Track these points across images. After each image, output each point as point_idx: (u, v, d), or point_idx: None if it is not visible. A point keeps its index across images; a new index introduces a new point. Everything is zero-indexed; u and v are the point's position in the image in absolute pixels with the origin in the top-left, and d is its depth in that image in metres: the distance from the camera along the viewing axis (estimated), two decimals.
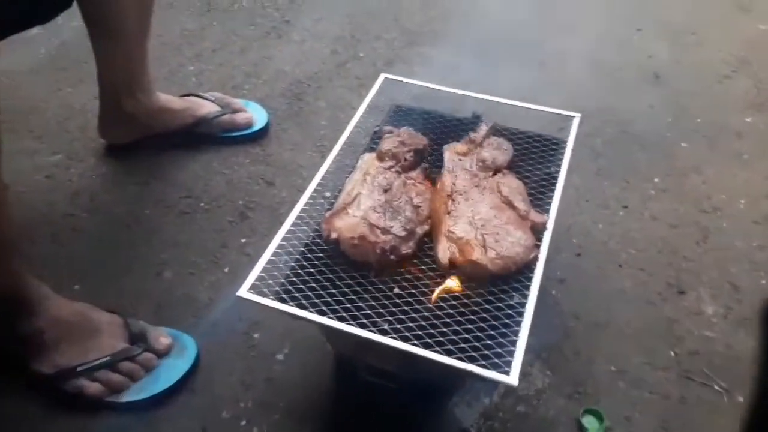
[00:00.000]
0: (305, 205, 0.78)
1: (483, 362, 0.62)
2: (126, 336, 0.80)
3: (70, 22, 1.41)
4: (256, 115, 1.16)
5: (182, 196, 1.04)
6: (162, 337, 0.81)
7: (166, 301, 0.89)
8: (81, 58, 1.33)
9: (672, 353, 0.84)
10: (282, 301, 0.68)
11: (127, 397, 0.77)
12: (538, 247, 0.73)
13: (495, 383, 0.65)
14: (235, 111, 1.14)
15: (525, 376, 0.82)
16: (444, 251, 0.71)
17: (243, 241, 0.98)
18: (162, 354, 0.80)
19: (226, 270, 0.93)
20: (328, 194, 0.80)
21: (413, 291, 0.70)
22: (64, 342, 0.77)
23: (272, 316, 0.87)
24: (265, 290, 0.69)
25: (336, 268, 0.72)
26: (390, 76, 0.97)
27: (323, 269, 0.72)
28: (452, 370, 0.62)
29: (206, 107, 1.12)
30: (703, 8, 1.54)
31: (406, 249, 0.72)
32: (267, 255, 0.72)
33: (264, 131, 1.16)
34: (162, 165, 1.10)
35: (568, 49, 1.40)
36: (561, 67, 1.35)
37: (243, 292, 0.68)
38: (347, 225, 0.72)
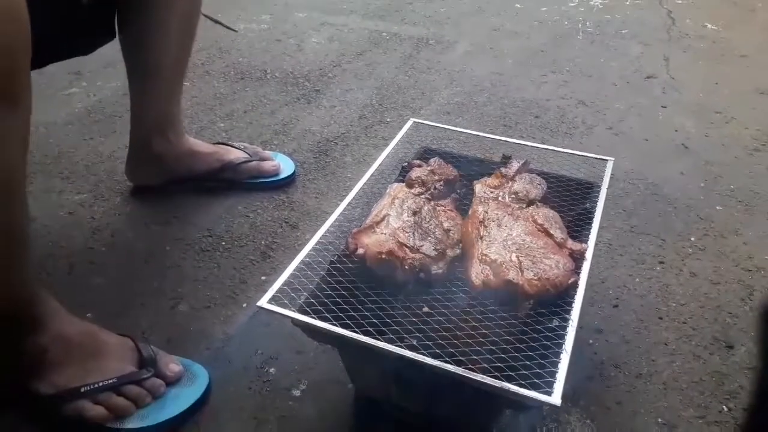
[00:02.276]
0: (331, 226, 0.76)
1: (522, 382, 0.56)
2: (135, 359, 0.74)
3: (109, 83, 1.47)
4: (284, 165, 1.17)
5: (204, 235, 1.02)
6: (172, 363, 0.75)
7: (179, 334, 0.84)
8: (115, 113, 1.37)
9: (725, 408, 0.76)
10: (305, 314, 0.63)
11: (130, 424, 0.70)
12: (577, 273, 0.69)
13: (535, 415, 0.58)
14: (263, 159, 1.15)
15: (564, 425, 0.74)
16: (477, 273, 0.67)
17: (263, 278, 0.94)
18: (171, 381, 0.74)
19: (244, 305, 0.89)
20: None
21: (444, 311, 0.65)
22: (68, 361, 0.72)
23: (290, 351, 0.82)
24: (287, 303, 0.65)
25: (361, 285, 0.68)
26: (419, 120, 0.98)
27: (349, 286, 0.68)
28: (488, 390, 0.56)
29: (234, 153, 1.13)
30: (724, 91, 1.57)
31: (437, 269, 0.68)
32: (290, 269, 0.69)
33: (290, 180, 1.16)
34: (186, 207, 1.09)
35: (591, 122, 1.41)
36: (586, 137, 1.35)
37: (263, 302, 0.64)
38: (375, 241, 0.69)
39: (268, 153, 1.18)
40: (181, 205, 1.09)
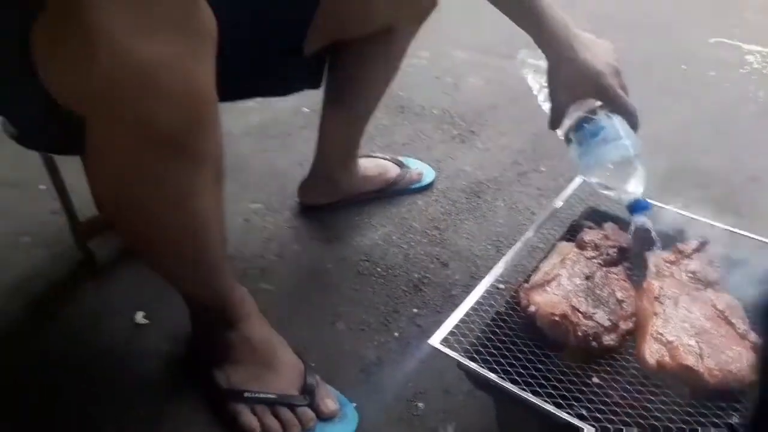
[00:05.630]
0: (499, 276, 0.78)
1: None
2: (300, 385, 0.79)
3: (283, 102, 1.59)
4: (424, 170, 1.31)
5: (361, 259, 1.08)
6: (329, 399, 0.78)
7: (336, 351, 0.90)
8: (287, 131, 1.48)
9: None
10: (473, 360, 0.66)
11: None
12: None
13: None
14: (405, 166, 1.28)
15: None
16: (652, 352, 0.66)
17: (414, 311, 0.98)
18: (323, 417, 0.77)
19: (396, 335, 0.93)
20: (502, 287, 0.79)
21: (615, 385, 0.65)
22: (244, 363, 0.79)
23: (438, 389, 0.85)
24: (456, 346, 0.67)
25: (528, 341, 0.69)
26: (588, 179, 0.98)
27: (515, 340, 0.69)
28: None
29: (392, 170, 1.25)
30: None
31: (609, 340, 0.68)
32: (460, 313, 0.71)
33: (432, 185, 1.30)
34: (346, 229, 1.16)
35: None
36: (760, 219, 1.28)
37: (435, 342, 0.67)
38: (547, 301, 0.70)
39: (402, 160, 1.30)
40: (342, 226, 1.16)
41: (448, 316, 0.96)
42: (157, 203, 0.63)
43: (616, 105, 0.82)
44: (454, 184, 1.34)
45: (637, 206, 0.80)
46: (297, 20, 0.89)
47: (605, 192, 0.83)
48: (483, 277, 1.05)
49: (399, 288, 1.03)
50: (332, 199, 1.17)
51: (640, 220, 0.79)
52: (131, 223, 0.68)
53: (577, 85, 0.82)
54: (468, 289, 1.02)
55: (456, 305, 0.99)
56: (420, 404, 0.82)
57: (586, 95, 0.82)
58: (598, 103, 0.84)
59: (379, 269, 1.07)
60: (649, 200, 0.81)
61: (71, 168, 1.00)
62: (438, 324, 0.95)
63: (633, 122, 0.84)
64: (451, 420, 0.80)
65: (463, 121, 1.61)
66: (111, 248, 1.06)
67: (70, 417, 0.81)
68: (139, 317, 0.93)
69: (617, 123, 0.83)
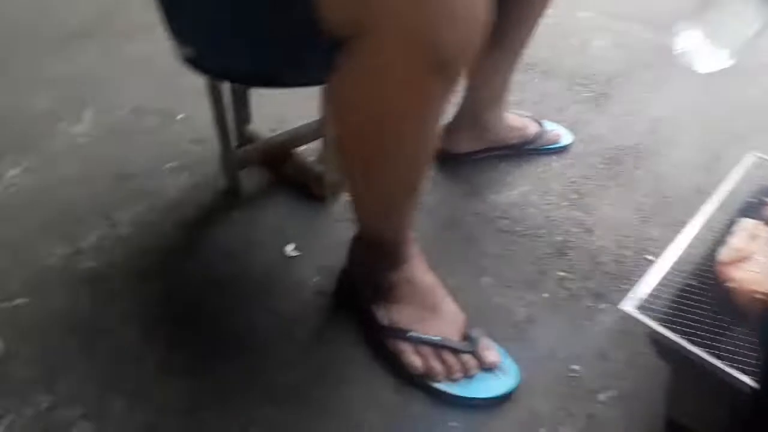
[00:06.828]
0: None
1: None
2: (461, 333, 0.79)
3: None
4: (561, 132, 1.27)
5: (499, 216, 1.06)
6: (491, 351, 0.77)
7: (484, 305, 0.89)
8: None
9: None
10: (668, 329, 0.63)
11: (438, 385, 0.75)
12: None
13: None
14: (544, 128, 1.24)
15: None
16: None
17: (561, 274, 0.95)
18: (484, 367, 0.76)
19: (545, 296, 0.91)
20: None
21: None
22: (407, 304, 0.79)
23: (593, 355, 0.83)
24: (650, 314, 0.65)
25: (723, 317, 0.66)
26: (762, 155, 0.92)
27: (708, 313, 0.66)
28: None
29: (533, 127, 1.21)
30: None
31: None
32: (653, 282, 0.68)
33: (568, 147, 1.25)
34: (481, 184, 1.13)
35: None
36: None
37: (629, 308, 0.65)
38: (749, 278, 0.66)
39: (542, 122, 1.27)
40: (478, 181, 1.14)
41: (598, 282, 0.94)
42: (408, 121, 0.62)
43: None
44: (590, 148, 1.28)
45: None
46: None
47: None
48: (631, 247, 1.02)
49: (541, 250, 1.00)
50: (475, 147, 1.14)
51: None
52: (370, 141, 0.66)
53: None
54: (618, 257, 0.99)
55: (605, 273, 0.97)
56: (576, 366, 0.80)
57: None
58: None
59: (519, 228, 1.04)
60: None
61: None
62: (587, 290, 0.93)
63: None
64: (612, 386, 0.78)
65: (595, 84, 1.53)
66: (256, 182, 1.07)
67: (223, 334, 0.83)
68: (290, 249, 0.94)
69: None
